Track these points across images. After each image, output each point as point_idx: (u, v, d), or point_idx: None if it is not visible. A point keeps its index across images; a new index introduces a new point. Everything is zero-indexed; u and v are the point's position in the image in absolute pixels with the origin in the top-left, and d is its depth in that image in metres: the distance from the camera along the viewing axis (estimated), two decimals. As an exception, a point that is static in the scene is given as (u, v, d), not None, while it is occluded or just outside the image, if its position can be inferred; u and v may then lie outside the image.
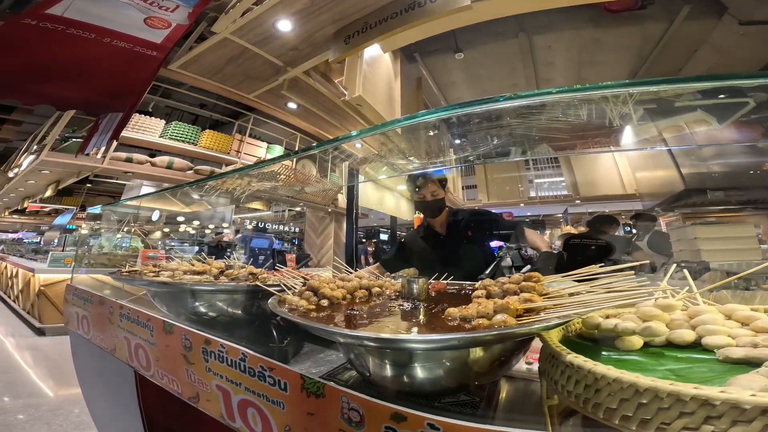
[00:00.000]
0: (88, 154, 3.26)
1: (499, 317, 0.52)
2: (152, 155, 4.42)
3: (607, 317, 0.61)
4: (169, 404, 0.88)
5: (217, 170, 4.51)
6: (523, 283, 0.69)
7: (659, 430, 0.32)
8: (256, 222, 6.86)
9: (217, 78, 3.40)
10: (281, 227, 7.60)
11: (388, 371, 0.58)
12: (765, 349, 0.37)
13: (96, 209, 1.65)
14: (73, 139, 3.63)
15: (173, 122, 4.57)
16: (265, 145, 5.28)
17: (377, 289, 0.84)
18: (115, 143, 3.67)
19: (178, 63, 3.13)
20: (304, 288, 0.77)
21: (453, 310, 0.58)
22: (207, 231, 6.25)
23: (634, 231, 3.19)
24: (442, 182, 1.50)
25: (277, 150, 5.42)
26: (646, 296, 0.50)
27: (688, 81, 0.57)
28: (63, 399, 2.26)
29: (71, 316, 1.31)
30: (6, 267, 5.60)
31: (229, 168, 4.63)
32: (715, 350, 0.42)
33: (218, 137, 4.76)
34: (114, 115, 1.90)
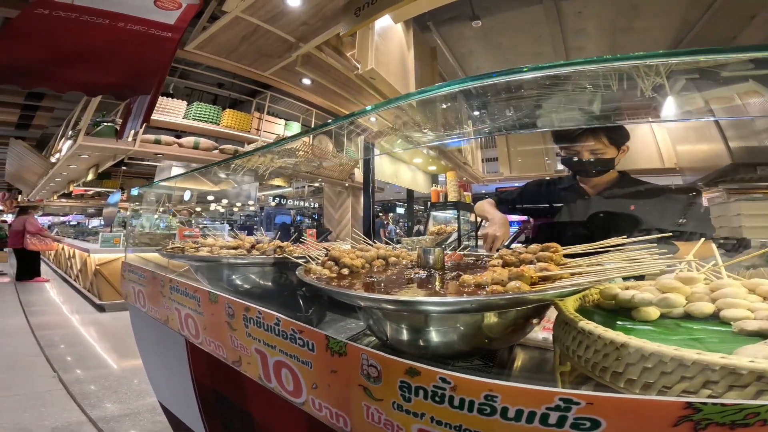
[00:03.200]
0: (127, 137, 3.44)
1: (513, 284, 0.54)
2: (178, 136, 4.58)
3: (627, 288, 0.60)
4: (215, 369, 0.97)
5: (240, 149, 4.63)
6: (540, 252, 0.69)
7: (660, 392, 0.33)
8: (278, 198, 7.05)
9: (233, 57, 3.41)
10: (301, 203, 7.79)
11: (404, 335, 0.62)
12: None
13: (136, 191, 1.76)
14: (105, 123, 3.82)
15: (195, 103, 4.68)
16: (282, 122, 5.33)
17: (394, 258, 0.87)
18: (144, 126, 3.84)
19: (194, 44, 3.16)
20: (326, 258, 0.81)
21: (467, 277, 0.60)
22: (235, 209, 6.52)
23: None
24: (615, 139, 1.19)
25: (295, 126, 5.46)
26: (662, 267, 0.49)
27: (742, 51, 0.51)
28: (125, 370, 2.52)
29: (129, 291, 1.40)
30: (63, 248, 6.09)
31: (251, 146, 4.73)
32: (731, 323, 0.42)
33: (238, 116, 4.84)
34: (143, 98, 1.98)
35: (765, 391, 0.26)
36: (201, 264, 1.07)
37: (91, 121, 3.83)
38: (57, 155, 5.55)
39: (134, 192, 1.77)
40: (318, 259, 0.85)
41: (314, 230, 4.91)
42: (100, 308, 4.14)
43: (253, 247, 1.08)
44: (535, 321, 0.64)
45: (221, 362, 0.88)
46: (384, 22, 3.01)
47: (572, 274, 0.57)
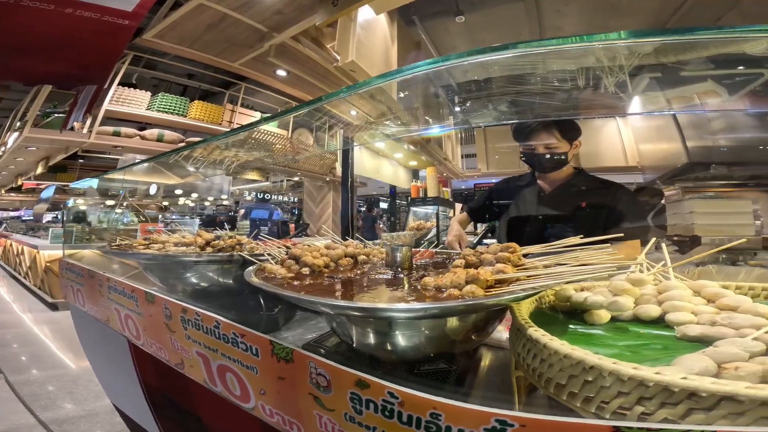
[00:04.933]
0: (72, 129, 3.18)
1: (468, 288, 0.52)
2: (142, 128, 4.31)
3: (582, 290, 0.60)
4: (161, 371, 0.92)
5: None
6: (500, 253, 0.68)
7: (599, 408, 0.31)
8: (256, 193, 6.88)
9: (198, 46, 3.22)
10: (280, 197, 7.61)
11: (365, 338, 0.59)
12: (722, 327, 0.35)
13: (79, 184, 1.62)
14: (55, 115, 3.52)
15: (160, 94, 4.42)
16: (258, 114, 5.14)
17: (363, 257, 0.85)
18: (99, 117, 3.56)
19: (153, 32, 2.96)
20: (286, 256, 0.78)
21: (428, 280, 0.58)
22: (206, 203, 6.27)
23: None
24: (566, 134, 1.21)
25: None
26: (612, 270, 0.48)
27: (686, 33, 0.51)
28: (83, 370, 2.38)
29: (68, 289, 1.35)
30: (11, 245, 5.68)
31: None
32: (675, 327, 0.41)
33: (208, 108, 4.61)
34: (90, 88, 1.82)
35: (695, 410, 0.24)
36: (146, 262, 1.02)
37: (40, 112, 3.52)
38: (2, 148, 5.09)
39: (78, 185, 1.63)
40: (278, 257, 0.81)
41: (292, 225, 4.81)
42: (53, 306, 3.92)
43: (208, 243, 1.01)
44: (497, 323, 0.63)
45: (166, 364, 0.84)
46: (367, 14, 2.93)
47: (527, 277, 0.55)
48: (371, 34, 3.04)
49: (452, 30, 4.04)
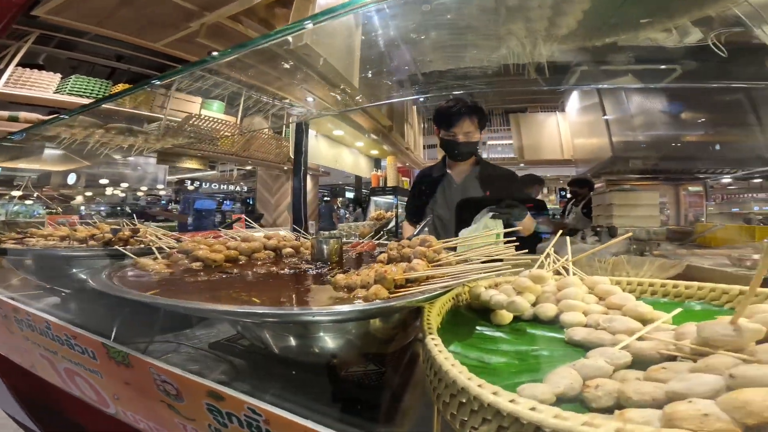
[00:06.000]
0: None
1: (373, 289, 0.47)
2: (53, 113, 3.72)
3: (496, 286, 0.57)
4: (19, 373, 0.82)
5: (136, 128, 3.93)
6: (418, 247, 0.63)
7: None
8: (199, 183, 6.36)
9: (110, 25, 2.79)
10: (230, 187, 7.13)
11: (270, 341, 0.53)
12: (602, 332, 0.33)
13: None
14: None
15: (73, 76, 3.83)
16: (198, 100, 4.66)
17: (289, 249, 0.77)
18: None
19: (47, 7, 2.49)
20: (174, 250, 0.69)
21: (340, 277, 0.53)
22: (139, 193, 5.67)
23: (569, 196, 3.36)
24: (481, 122, 1.26)
25: (216, 106, 4.85)
26: (509, 268, 0.46)
27: None
28: None
29: None
30: None
31: (153, 125, 4.08)
32: (565, 329, 0.38)
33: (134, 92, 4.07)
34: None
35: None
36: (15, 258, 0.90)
37: None
38: None
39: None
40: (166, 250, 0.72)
41: (243, 215, 4.51)
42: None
43: (92, 237, 0.85)
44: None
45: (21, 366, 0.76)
46: (331, -2, 2.71)
47: (442, 275, 0.51)
48: (333, 18, 2.83)
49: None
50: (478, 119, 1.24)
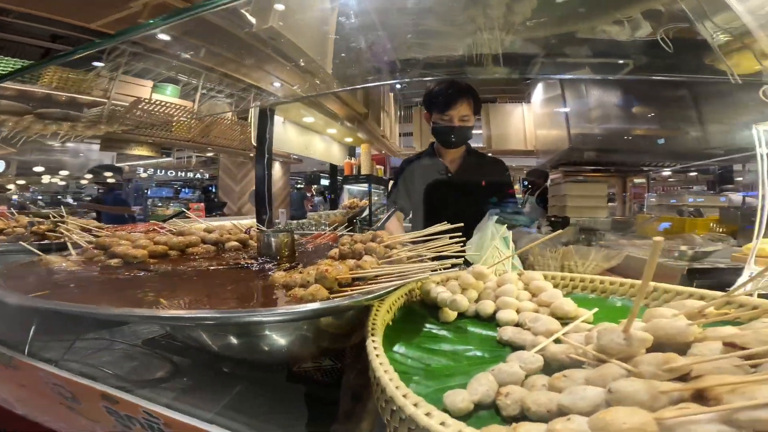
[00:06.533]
0: None
1: (312, 288, 0.44)
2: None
3: (447, 281, 0.58)
4: None
5: (74, 113, 3.51)
6: (369, 243, 0.62)
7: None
8: (154, 170, 5.92)
9: (40, 3, 2.41)
10: (189, 174, 6.72)
11: (206, 340, 0.49)
12: (526, 332, 0.34)
13: None
14: None
15: (-3, 57, 3.30)
16: (149, 83, 4.24)
17: (234, 243, 0.72)
18: None
19: None
20: (90, 246, 0.64)
21: (278, 275, 0.50)
22: (84, 182, 5.18)
23: (528, 186, 3.51)
24: (476, 106, 1.18)
25: (169, 90, 4.43)
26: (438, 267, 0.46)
27: None
28: None
29: None
30: None
31: (94, 110, 3.69)
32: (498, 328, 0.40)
33: (69, 74, 3.60)
34: None
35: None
36: None
37: None
38: None
39: None
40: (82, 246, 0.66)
41: (202, 204, 4.25)
42: None
43: (1, 231, 0.76)
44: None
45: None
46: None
47: (377, 276, 0.50)
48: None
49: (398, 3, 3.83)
50: (474, 103, 1.17)
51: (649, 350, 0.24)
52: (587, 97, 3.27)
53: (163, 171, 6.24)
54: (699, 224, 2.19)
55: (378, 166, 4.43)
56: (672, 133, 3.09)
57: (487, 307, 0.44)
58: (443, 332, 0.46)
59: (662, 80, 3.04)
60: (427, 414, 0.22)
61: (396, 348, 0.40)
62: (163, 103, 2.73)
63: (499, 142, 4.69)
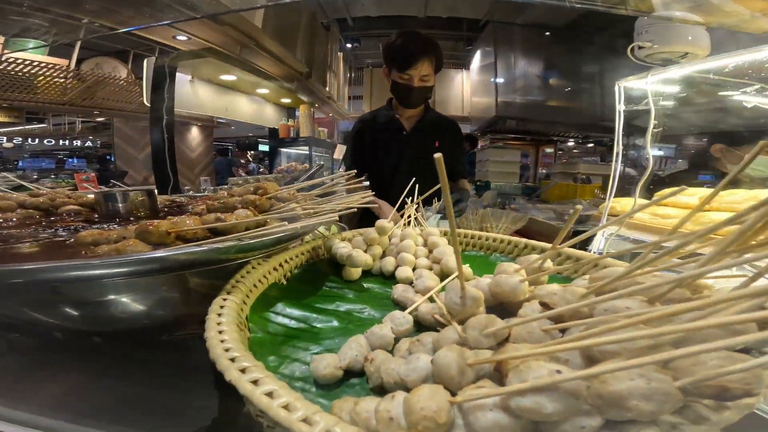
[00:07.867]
0: None
1: (121, 244, 0.34)
2: None
3: (353, 237, 0.54)
4: None
5: None
6: (246, 195, 0.52)
7: None
8: (22, 138, 4.76)
9: None
10: (77, 143, 5.53)
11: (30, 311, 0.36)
12: (411, 291, 0.33)
13: None
14: None
15: None
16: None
17: (73, 207, 0.56)
18: None
19: None
20: None
21: (88, 232, 0.38)
22: None
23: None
24: (438, 64, 1.12)
25: (32, 44, 3.30)
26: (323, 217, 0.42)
27: None
28: None
29: None
30: None
31: None
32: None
33: None
34: None
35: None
36: None
37: None
38: None
39: None
40: None
41: (93, 174, 3.48)
42: None
43: None
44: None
45: None
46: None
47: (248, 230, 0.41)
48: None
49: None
50: (436, 60, 1.11)
51: (493, 310, 0.22)
52: (515, 68, 3.43)
53: (37, 140, 5.05)
54: (587, 190, 2.56)
55: (321, 128, 4.17)
56: (578, 105, 3.45)
57: (388, 264, 0.42)
58: (343, 291, 0.43)
59: (582, 55, 3.33)
60: (254, 381, 0.18)
61: (278, 308, 0.35)
62: (20, 62, 2.15)
63: (441, 107, 4.79)
